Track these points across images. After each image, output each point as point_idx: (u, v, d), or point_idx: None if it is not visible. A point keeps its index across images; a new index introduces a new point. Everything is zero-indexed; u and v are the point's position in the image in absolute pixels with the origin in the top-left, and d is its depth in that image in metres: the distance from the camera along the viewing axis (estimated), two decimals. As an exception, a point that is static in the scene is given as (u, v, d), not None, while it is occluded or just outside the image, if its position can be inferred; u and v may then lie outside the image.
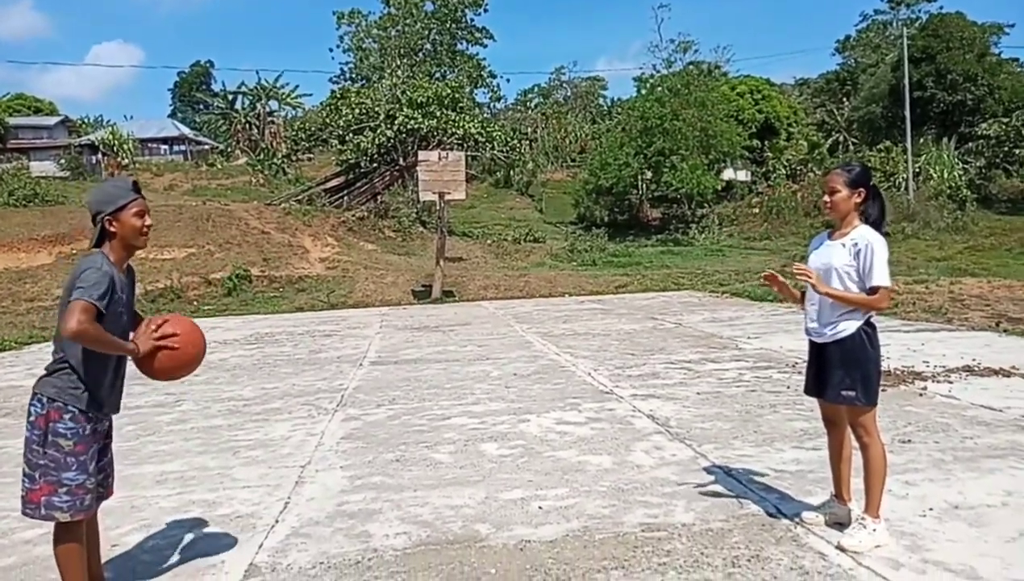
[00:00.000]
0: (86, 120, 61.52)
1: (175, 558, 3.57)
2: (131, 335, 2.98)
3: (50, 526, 2.86)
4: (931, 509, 3.72)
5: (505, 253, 26.81)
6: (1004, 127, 32.77)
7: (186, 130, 61.10)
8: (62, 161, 42.01)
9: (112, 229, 2.86)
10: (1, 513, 4.28)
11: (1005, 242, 24.37)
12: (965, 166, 33.70)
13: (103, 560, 3.28)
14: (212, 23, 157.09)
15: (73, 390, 2.78)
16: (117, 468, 3.21)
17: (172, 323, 2.97)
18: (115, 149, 45.34)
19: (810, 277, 3.31)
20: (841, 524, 3.48)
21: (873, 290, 3.28)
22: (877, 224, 3.38)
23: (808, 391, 3.61)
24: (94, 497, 2.88)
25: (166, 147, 57.25)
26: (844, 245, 3.35)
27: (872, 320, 3.38)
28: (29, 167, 38.14)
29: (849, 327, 3.33)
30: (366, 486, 4.48)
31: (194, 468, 5.05)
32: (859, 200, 3.38)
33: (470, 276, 20.78)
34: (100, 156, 45.93)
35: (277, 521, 3.97)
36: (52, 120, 56.32)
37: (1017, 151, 33.17)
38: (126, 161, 44.63)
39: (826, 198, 3.43)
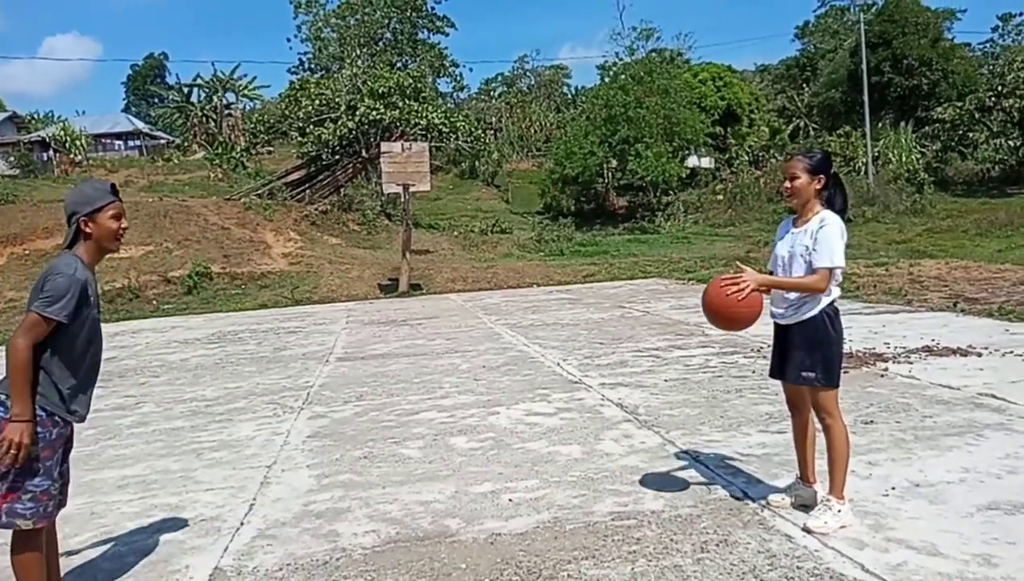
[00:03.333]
0: (36, 116, 59.67)
1: (138, 565, 3.48)
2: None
3: (5, 536, 2.76)
4: (893, 488, 3.79)
5: (472, 245, 26.71)
6: (958, 111, 33.53)
7: (141, 125, 59.56)
8: (11, 159, 40.61)
9: (87, 230, 2.82)
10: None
11: (961, 224, 24.97)
12: (922, 150, 34.47)
13: (63, 571, 3.18)
14: (166, 14, 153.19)
15: (41, 391, 2.69)
16: (76, 474, 3.12)
17: None
18: (67, 145, 44.07)
19: (747, 283, 3.27)
20: (807, 506, 3.53)
21: (816, 271, 3.29)
22: (841, 212, 3.41)
23: (773, 374, 3.65)
24: (56, 503, 2.79)
25: (120, 143, 55.78)
26: (807, 231, 3.38)
27: (835, 303, 3.41)
28: (-24, 165, 36.92)
29: (811, 310, 3.36)
30: (333, 484, 4.42)
31: (156, 472, 4.93)
32: (819, 186, 3.40)
33: (437, 269, 20.67)
34: (52, 153, 44.61)
35: (242, 523, 3.89)
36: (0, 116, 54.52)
37: (971, 134, 34.01)
38: (79, 158, 43.43)
39: (787, 184, 3.45)
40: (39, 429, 2.69)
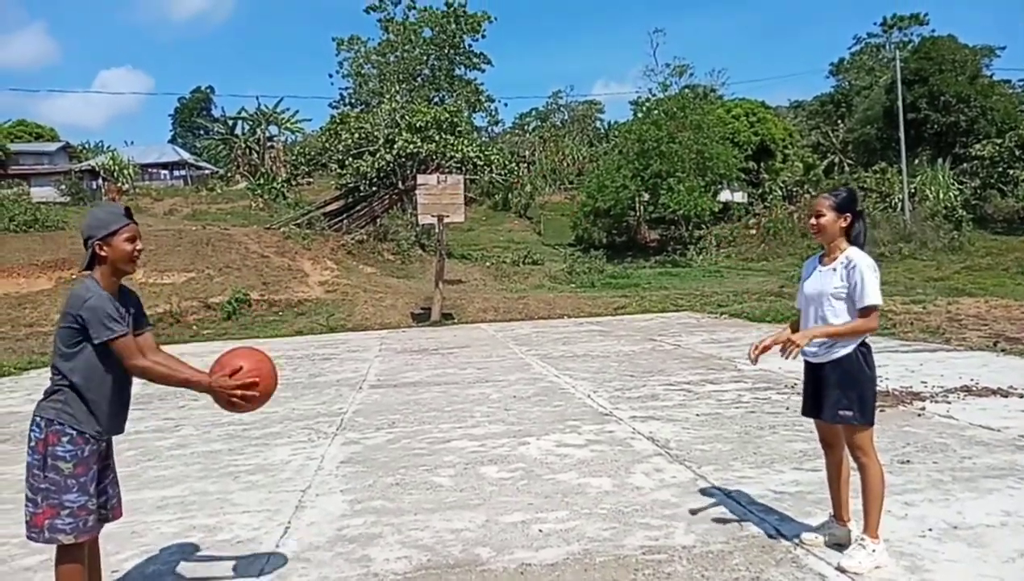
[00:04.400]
0: (87, 146, 61.94)
1: (176, 584, 3.57)
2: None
3: (51, 552, 2.87)
4: (930, 529, 3.73)
5: (504, 275, 26.89)
6: (998, 148, 33.05)
7: (186, 155, 61.47)
8: (62, 186, 42.17)
9: (103, 253, 2.90)
10: (1, 540, 4.28)
11: (1002, 262, 24.47)
12: (960, 187, 33.94)
13: (104, 586, 3.28)
14: (213, 50, 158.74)
15: (71, 411, 2.81)
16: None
17: (247, 364, 3.01)
18: (115, 174, 45.62)
19: (796, 344, 3.30)
20: (840, 545, 3.49)
21: (864, 311, 3.32)
22: (861, 246, 3.44)
23: (805, 412, 3.63)
24: (96, 518, 2.90)
25: (166, 172, 57.56)
26: (835, 270, 3.41)
27: (867, 340, 3.42)
28: (30, 193, 38.32)
29: (844, 348, 3.37)
30: (366, 510, 4.49)
31: (194, 493, 5.05)
32: (844, 224, 3.44)
33: (469, 298, 20.83)
34: (100, 181, 46.17)
35: (278, 546, 3.96)
36: (53, 146, 56.68)
37: (1011, 172, 33.42)
38: (126, 186, 44.87)
39: (812, 221, 3.49)
40: (70, 447, 2.80)
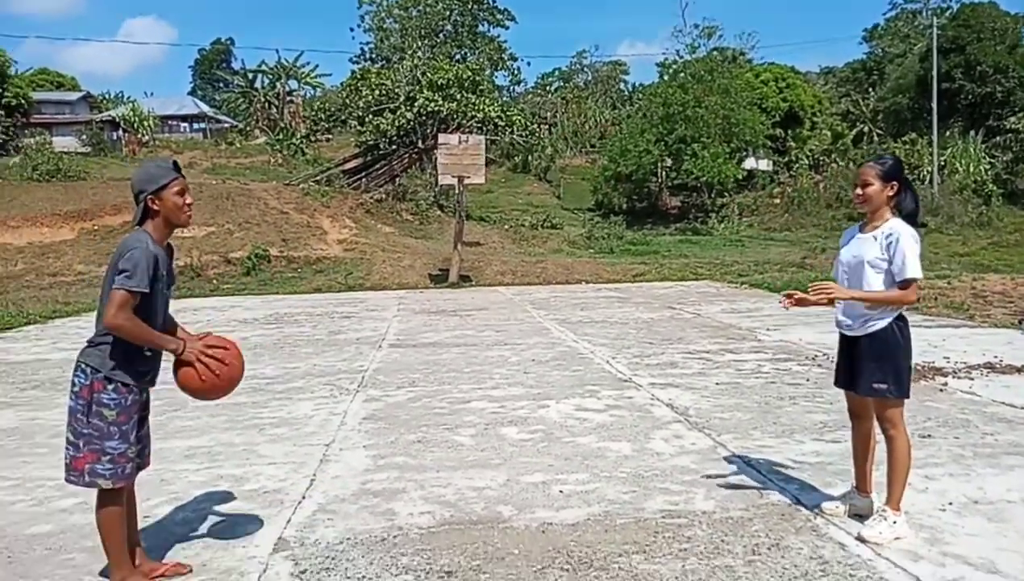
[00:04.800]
0: (107, 96, 61.97)
1: (205, 530, 3.67)
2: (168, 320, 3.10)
3: (86, 495, 2.96)
4: (951, 504, 3.74)
5: (522, 239, 26.81)
6: (1033, 121, 32.22)
7: (206, 108, 61.37)
8: (83, 137, 42.31)
9: (155, 207, 2.95)
10: (37, 482, 4.41)
11: (1030, 238, 24.03)
12: (992, 160, 33.19)
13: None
14: (234, 1, 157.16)
15: (116, 362, 2.87)
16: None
17: (229, 351, 3.10)
18: (135, 126, 45.70)
19: (830, 291, 3.28)
20: (861, 516, 3.51)
21: (904, 283, 3.28)
22: (912, 217, 3.37)
23: (838, 383, 3.62)
24: (134, 466, 2.99)
25: (186, 125, 57.56)
26: (876, 238, 3.35)
27: (903, 313, 3.38)
28: (52, 142, 38.53)
29: (881, 321, 3.34)
30: (389, 466, 4.57)
31: (221, 444, 5.16)
32: (891, 193, 3.37)
33: (487, 261, 20.83)
34: (121, 132, 46.30)
35: (304, 497, 4.06)
36: (74, 95, 56.72)
37: (1046, 146, 32.64)
38: (146, 138, 44.99)
39: (858, 191, 3.42)
40: (115, 395, 2.87)
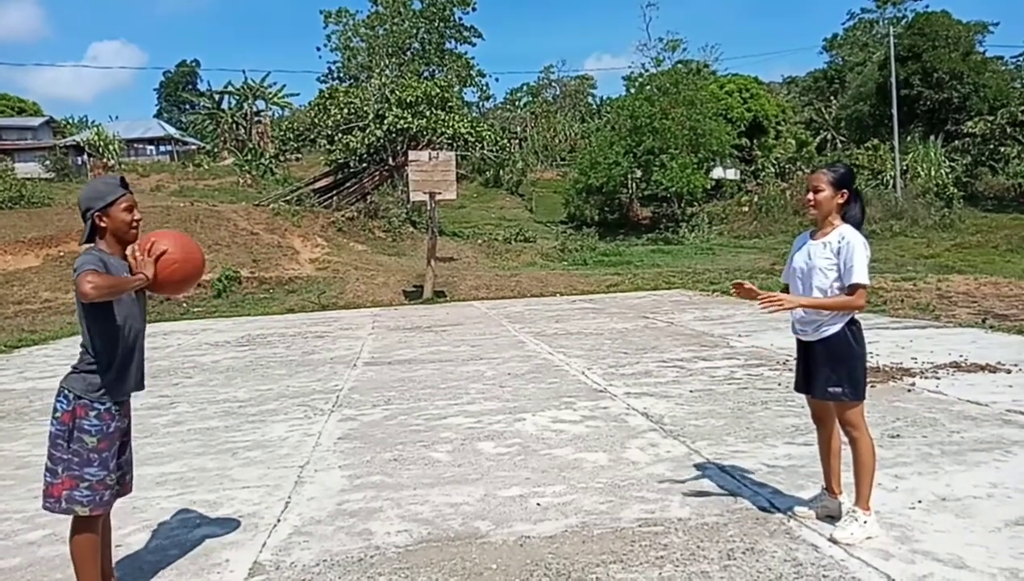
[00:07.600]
0: (71, 121, 61.07)
1: (180, 558, 3.61)
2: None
3: (54, 527, 2.90)
4: (920, 501, 3.81)
5: (496, 253, 26.87)
6: (989, 125, 33.14)
7: (172, 130, 60.74)
8: (47, 162, 41.64)
9: (102, 224, 2.93)
10: (2, 515, 4.30)
11: (991, 239, 24.64)
12: (952, 164, 34.06)
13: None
14: (198, 23, 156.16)
15: (98, 387, 2.85)
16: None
17: (160, 240, 3.03)
18: (100, 150, 45.03)
19: (781, 302, 3.36)
20: (832, 517, 3.57)
21: (852, 289, 3.35)
22: (858, 225, 3.46)
23: (798, 388, 3.69)
24: (112, 493, 2.95)
25: (152, 148, 56.94)
26: (826, 244, 3.44)
27: (856, 317, 3.46)
28: (14, 169, 37.79)
29: (833, 326, 3.42)
30: (366, 485, 4.54)
31: (193, 469, 5.08)
32: (841, 201, 3.46)
33: (461, 276, 20.83)
34: (85, 157, 45.60)
35: (279, 520, 4.01)
36: (36, 121, 55.85)
37: (1002, 149, 33.56)
38: (112, 162, 44.33)
39: (810, 196, 3.50)
40: (96, 422, 2.85)
